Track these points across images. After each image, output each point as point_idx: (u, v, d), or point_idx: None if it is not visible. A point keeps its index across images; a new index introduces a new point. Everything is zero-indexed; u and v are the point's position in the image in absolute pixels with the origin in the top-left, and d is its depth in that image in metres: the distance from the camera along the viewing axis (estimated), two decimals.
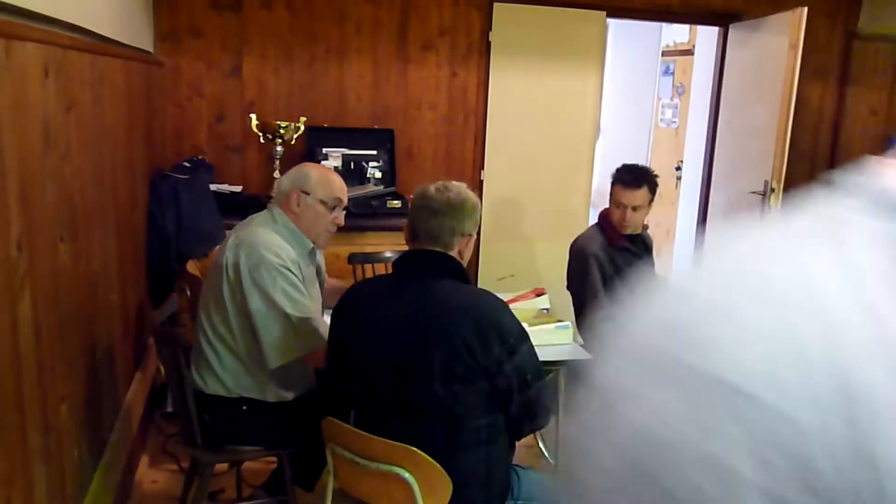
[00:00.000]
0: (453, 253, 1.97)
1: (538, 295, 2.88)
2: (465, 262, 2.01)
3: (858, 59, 4.83)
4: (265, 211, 2.43)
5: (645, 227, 3.23)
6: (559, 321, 2.71)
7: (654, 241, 3.28)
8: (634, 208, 3.01)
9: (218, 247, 2.43)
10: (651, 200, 3.06)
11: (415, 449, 1.78)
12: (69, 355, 1.94)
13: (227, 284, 2.26)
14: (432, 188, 1.97)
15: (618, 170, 3.08)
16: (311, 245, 2.41)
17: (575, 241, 3.15)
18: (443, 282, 1.90)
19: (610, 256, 3.04)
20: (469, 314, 1.81)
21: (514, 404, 1.89)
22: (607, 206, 3.11)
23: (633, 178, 3.01)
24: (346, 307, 2.00)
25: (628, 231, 3.08)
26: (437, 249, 1.95)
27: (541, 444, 3.35)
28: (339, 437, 1.91)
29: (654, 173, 3.09)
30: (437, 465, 1.78)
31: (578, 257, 3.07)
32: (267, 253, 2.23)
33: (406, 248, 2.04)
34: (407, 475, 1.79)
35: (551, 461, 3.26)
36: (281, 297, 2.21)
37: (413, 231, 1.98)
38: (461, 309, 1.82)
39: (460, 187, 1.99)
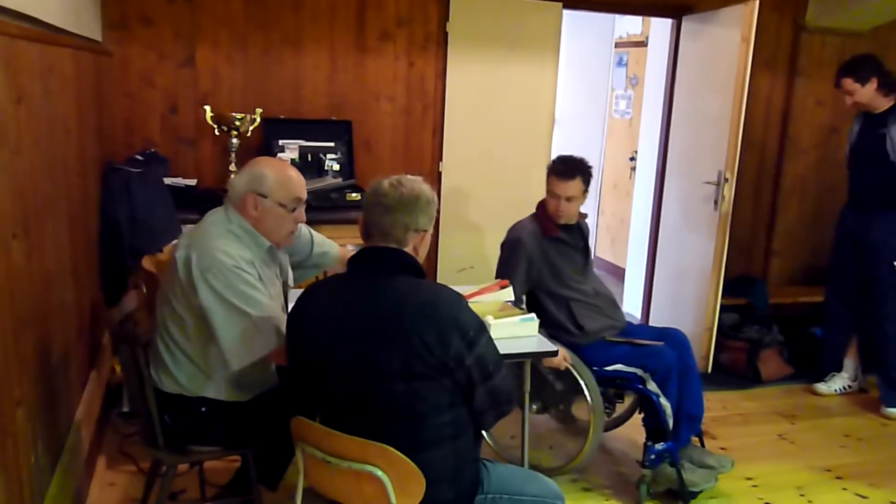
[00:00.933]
0: (408, 249, 1.94)
1: (502, 287, 2.88)
2: (421, 259, 1.98)
3: (806, 52, 4.94)
4: (220, 209, 2.32)
5: (583, 216, 3.32)
6: (524, 313, 2.71)
7: (599, 231, 3.35)
8: (568, 199, 3.09)
9: (174, 243, 2.35)
10: (585, 191, 3.15)
11: (387, 446, 1.76)
12: (24, 357, 1.87)
13: (179, 285, 2.20)
14: (385, 183, 1.94)
15: (553, 161, 3.17)
16: (269, 244, 2.32)
17: (510, 229, 3.23)
18: (398, 279, 1.87)
19: (542, 247, 3.13)
20: (426, 312, 1.79)
21: (479, 396, 1.88)
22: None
23: (566, 168, 3.09)
24: (303, 308, 1.96)
25: (563, 221, 3.16)
26: (391, 246, 1.92)
27: (487, 438, 3.35)
28: (308, 436, 1.88)
29: (588, 164, 3.17)
30: (410, 461, 1.77)
31: (510, 244, 3.16)
32: (219, 254, 2.16)
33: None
34: (379, 473, 1.77)
35: (501, 454, 3.29)
36: (237, 298, 2.15)
37: (366, 228, 1.95)
38: (418, 307, 1.80)
39: (414, 182, 1.96)
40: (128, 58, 3.84)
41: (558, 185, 3.07)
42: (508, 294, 2.86)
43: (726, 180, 4.15)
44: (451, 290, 1.90)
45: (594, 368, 3.06)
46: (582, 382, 3.00)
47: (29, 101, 1.98)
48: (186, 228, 3.30)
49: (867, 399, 4.21)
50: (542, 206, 3.21)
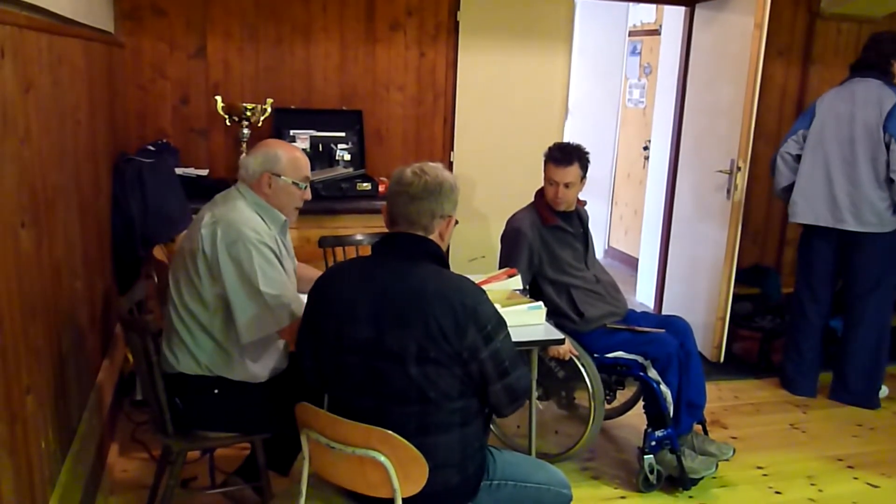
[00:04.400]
0: (434, 236, 1.96)
1: (510, 276, 2.89)
2: (445, 244, 2.01)
3: (821, 39, 4.88)
4: (232, 189, 2.44)
5: (582, 203, 3.32)
6: (532, 302, 2.71)
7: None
8: (567, 185, 3.11)
9: (188, 227, 2.43)
10: (583, 177, 3.16)
11: (390, 432, 1.77)
12: (34, 345, 1.89)
13: (204, 262, 2.27)
14: (409, 172, 1.96)
15: (550, 148, 3.18)
16: (284, 219, 2.46)
17: (509, 220, 3.24)
18: (421, 265, 1.90)
19: (541, 235, 3.14)
20: (446, 299, 1.81)
21: (494, 392, 1.90)
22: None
23: (563, 155, 3.10)
24: (324, 288, 2.00)
25: (562, 208, 3.18)
26: (418, 233, 1.95)
27: (493, 427, 3.36)
28: (313, 422, 1.90)
29: (585, 150, 3.18)
30: (413, 447, 1.78)
31: (510, 235, 3.18)
32: (245, 229, 2.27)
33: (381, 230, 2.02)
34: (382, 458, 1.79)
35: (507, 443, 3.30)
36: (256, 273, 2.24)
37: (392, 216, 1.98)
38: (438, 294, 1.82)
39: (437, 169, 1.98)
40: (140, 49, 3.86)
41: (556, 171, 3.10)
42: (516, 283, 2.86)
43: (739, 169, 4.12)
44: (473, 282, 1.92)
45: (595, 355, 3.08)
46: (583, 369, 3.02)
47: (37, 91, 1.99)
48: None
49: None
50: (539, 194, 3.24)
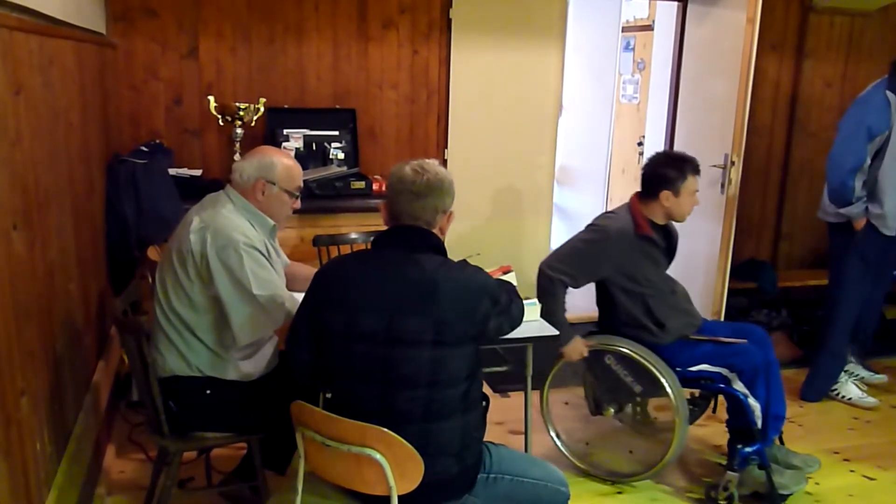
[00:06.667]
0: (435, 230, 2.02)
1: (505, 272, 2.88)
2: (445, 238, 2.07)
3: (814, 33, 4.89)
4: (220, 193, 2.45)
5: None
6: (526, 298, 2.71)
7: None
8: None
9: (177, 229, 2.43)
10: None
11: (386, 430, 1.78)
12: (28, 347, 1.89)
13: (193, 267, 2.28)
14: (409, 170, 2.00)
15: (681, 160, 2.99)
16: (273, 224, 2.46)
17: (604, 216, 3.08)
18: (426, 255, 1.95)
19: (629, 244, 2.95)
20: (457, 287, 1.89)
21: (504, 331, 2.05)
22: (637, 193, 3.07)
23: (697, 164, 3.00)
24: (327, 280, 2.02)
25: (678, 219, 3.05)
26: (421, 226, 2.00)
27: (559, 444, 3.25)
28: (309, 421, 1.90)
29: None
30: (409, 445, 1.79)
31: (598, 233, 2.99)
32: (234, 233, 2.28)
33: (375, 229, 2.04)
34: (378, 456, 1.79)
35: (578, 462, 3.19)
36: (248, 277, 2.25)
37: (393, 214, 2.02)
38: (449, 281, 1.89)
39: (435, 166, 2.03)
40: (132, 50, 3.85)
41: (697, 181, 2.98)
42: (511, 279, 2.85)
43: (733, 163, 4.13)
44: (473, 266, 2.01)
45: (677, 369, 2.92)
46: (665, 384, 2.88)
47: (28, 93, 1.99)
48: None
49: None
50: (635, 202, 3.03)
